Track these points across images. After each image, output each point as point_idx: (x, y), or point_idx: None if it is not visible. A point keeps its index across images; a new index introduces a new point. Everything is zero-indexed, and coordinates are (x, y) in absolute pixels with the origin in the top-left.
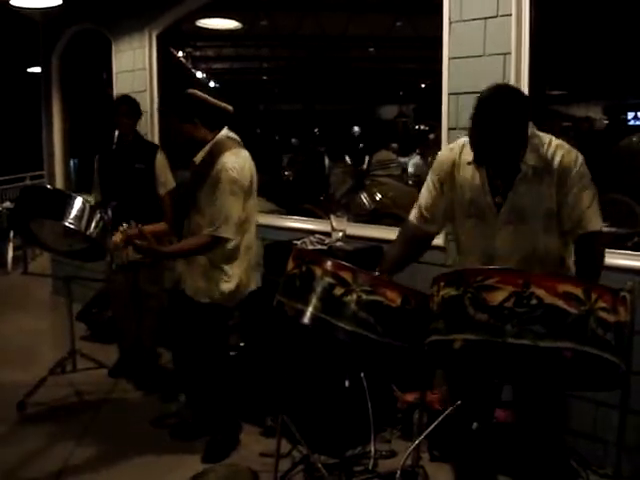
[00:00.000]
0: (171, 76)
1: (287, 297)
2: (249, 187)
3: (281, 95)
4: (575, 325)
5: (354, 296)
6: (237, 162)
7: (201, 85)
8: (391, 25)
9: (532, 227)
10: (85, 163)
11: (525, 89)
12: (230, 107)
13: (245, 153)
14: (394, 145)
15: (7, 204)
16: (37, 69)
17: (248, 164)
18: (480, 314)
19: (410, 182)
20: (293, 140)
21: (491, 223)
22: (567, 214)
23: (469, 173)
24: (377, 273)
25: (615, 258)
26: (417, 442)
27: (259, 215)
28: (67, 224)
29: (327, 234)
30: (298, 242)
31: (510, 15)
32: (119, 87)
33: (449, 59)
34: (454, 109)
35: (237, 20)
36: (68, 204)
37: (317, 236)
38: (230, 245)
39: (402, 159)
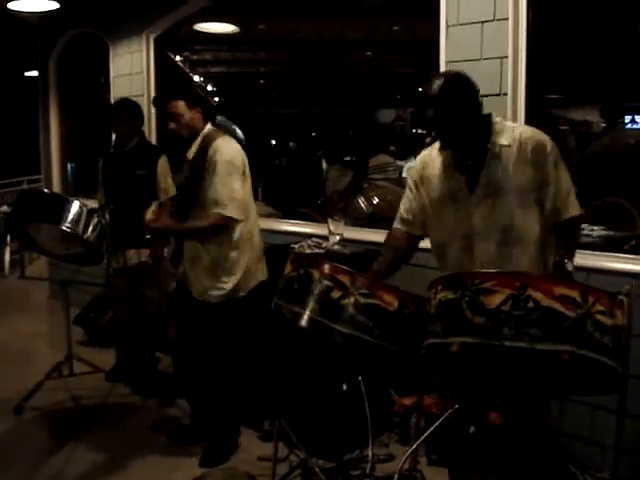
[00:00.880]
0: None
1: (285, 300)
2: (243, 168)
3: (278, 99)
4: (572, 328)
5: (352, 299)
6: (229, 146)
7: (199, 88)
8: (388, 29)
9: (507, 201)
10: (83, 167)
11: (522, 92)
12: (214, 101)
13: (234, 140)
14: (392, 148)
15: (4, 208)
16: (35, 73)
17: (240, 149)
18: (477, 317)
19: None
20: (291, 144)
21: (466, 204)
22: (549, 200)
23: (439, 164)
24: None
25: (612, 261)
26: (415, 446)
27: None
28: (64, 228)
29: (324, 238)
30: (296, 246)
31: (507, 19)
32: (116, 91)
33: (446, 63)
34: None
35: (235, 24)
36: (65, 208)
37: (314, 240)
38: (235, 230)
39: (400, 162)
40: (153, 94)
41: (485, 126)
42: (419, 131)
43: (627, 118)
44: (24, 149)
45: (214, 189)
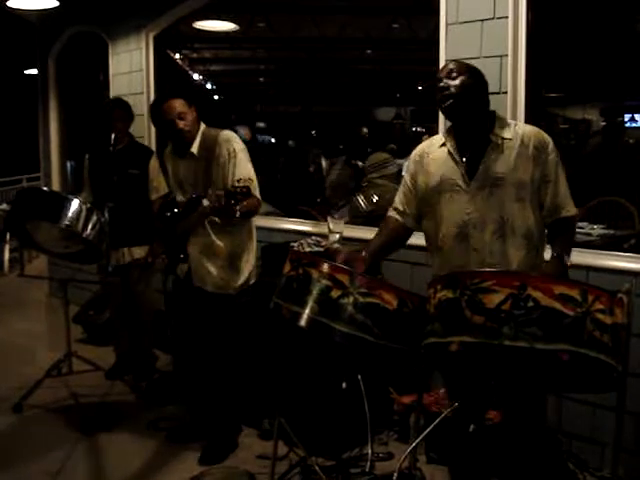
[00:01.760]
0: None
1: (284, 299)
2: None
3: (278, 97)
4: (572, 327)
5: (351, 298)
6: (237, 137)
7: (198, 86)
8: (388, 27)
9: (504, 193)
10: (82, 165)
11: (522, 91)
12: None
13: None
14: (392, 146)
15: (3, 206)
16: (34, 71)
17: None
18: (477, 316)
19: None
20: (290, 142)
21: (463, 193)
22: (548, 197)
23: (440, 153)
24: (363, 253)
25: (611, 260)
26: (414, 444)
27: (256, 217)
28: (63, 226)
29: (324, 236)
30: (295, 244)
31: (507, 17)
32: (116, 89)
33: (446, 61)
34: None
35: (234, 22)
36: (64, 206)
37: (314, 238)
38: (249, 223)
39: (399, 161)
40: (153, 92)
41: (490, 118)
42: (419, 129)
43: (627, 117)
44: (23, 147)
45: (240, 172)
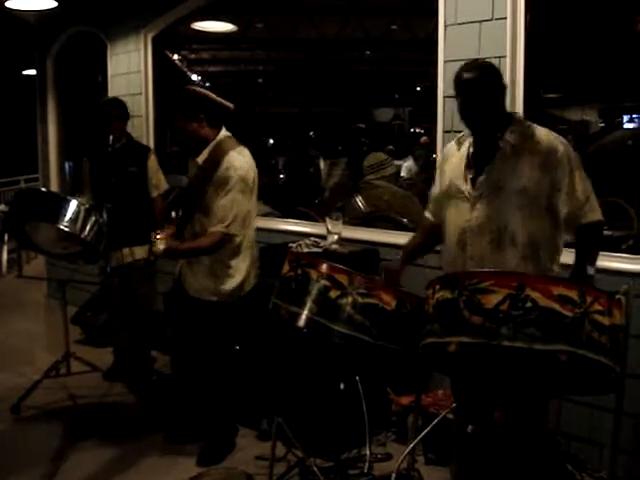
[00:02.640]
0: (168, 78)
1: (282, 300)
2: (253, 184)
3: (276, 98)
4: (570, 328)
5: (349, 299)
6: (244, 161)
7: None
8: (387, 28)
9: (505, 202)
10: (80, 166)
11: (520, 92)
12: (231, 104)
13: (247, 151)
14: (390, 147)
15: (2, 207)
16: (32, 71)
17: (251, 162)
18: (475, 317)
19: (404, 186)
20: (289, 142)
21: (466, 201)
22: (563, 205)
23: (455, 157)
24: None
25: (610, 261)
26: (412, 445)
27: (255, 218)
28: (62, 227)
29: (322, 237)
30: (293, 245)
31: (505, 18)
32: (114, 90)
33: (444, 62)
34: (449, 112)
35: (232, 23)
36: (63, 207)
37: (312, 239)
38: (236, 240)
39: (397, 162)
40: (151, 93)
41: (503, 123)
42: (417, 130)
43: (625, 118)
44: (22, 148)
45: (223, 205)
